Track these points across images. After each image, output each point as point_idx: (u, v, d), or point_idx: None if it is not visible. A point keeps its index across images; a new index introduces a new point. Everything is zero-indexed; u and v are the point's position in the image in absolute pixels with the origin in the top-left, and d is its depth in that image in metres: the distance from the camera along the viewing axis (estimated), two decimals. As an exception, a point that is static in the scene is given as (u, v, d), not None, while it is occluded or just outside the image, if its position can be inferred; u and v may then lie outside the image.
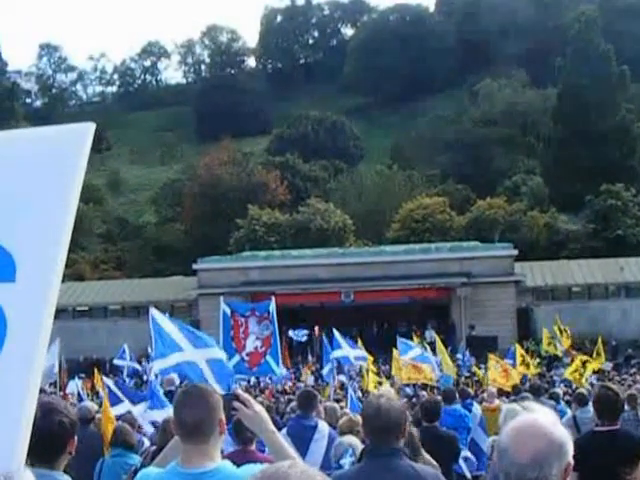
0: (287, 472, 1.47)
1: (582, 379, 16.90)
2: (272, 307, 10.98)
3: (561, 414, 9.44)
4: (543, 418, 2.15)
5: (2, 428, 1.66)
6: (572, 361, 21.84)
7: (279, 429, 7.00)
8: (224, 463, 2.96)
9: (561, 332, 25.70)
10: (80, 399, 15.68)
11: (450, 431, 8.02)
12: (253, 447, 5.23)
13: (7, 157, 1.84)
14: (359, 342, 20.08)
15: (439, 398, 9.38)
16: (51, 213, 1.75)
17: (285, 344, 20.79)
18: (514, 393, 13.76)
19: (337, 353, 16.79)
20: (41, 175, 1.78)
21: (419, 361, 17.74)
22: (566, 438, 2.10)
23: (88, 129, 1.82)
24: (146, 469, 3.22)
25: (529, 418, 2.16)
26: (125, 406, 11.51)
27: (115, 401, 11.11)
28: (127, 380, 24.52)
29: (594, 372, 22.39)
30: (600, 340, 21.49)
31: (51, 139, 1.86)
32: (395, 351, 20.21)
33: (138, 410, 11.62)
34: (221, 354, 8.82)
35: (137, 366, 24.16)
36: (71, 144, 1.80)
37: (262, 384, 20.54)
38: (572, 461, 2.08)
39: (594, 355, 19.99)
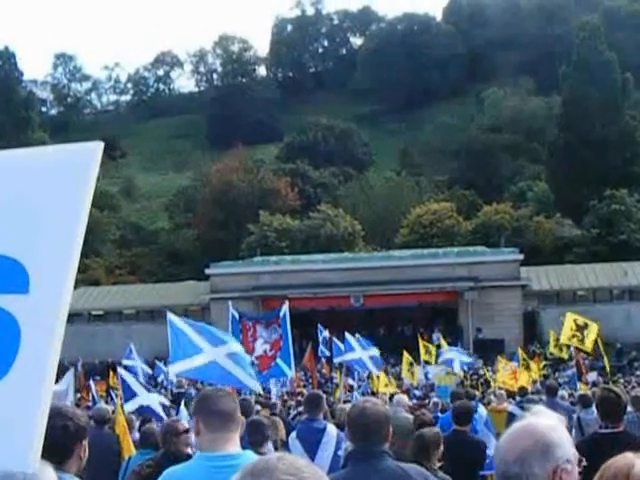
0: (276, 464, 1.51)
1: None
2: (284, 311, 11.14)
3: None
4: (539, 421, 2.18)
5: (19, 435, 1.72)
6: (577, 364, 22.35)
7: (288, 432, 7.53)
8: (248, 451, 3.19)
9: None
10: (94, 402, 15.98)
11: (479, 437, 7.83)
12: (265, 449, 5.35)
13: (19, 174, 1.89)
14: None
15: (471, 403, 9.28)
16: (62, 228, 1.80)
17: (311, 350, 21.08)
18: (520, 395, 13.92)
19: (349, 356, 16.69)
20: (53, 191, 1.83)
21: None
22: (557, 441, 2.11)
23: (98, 147, 1.87)
24: (169, 469, 3.29)
25: (525, 421, 2.20)
26: (140, 400, 11.88)
27: (129, 395, 11.33)
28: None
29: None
30: (601, 343, 21.80)
31: (62, 157, 1.90)
32: (406, 355, 20.71)
33: (154, 399, 12.02)
34: (238, 347, 8.89)
35: (147, 368, 24.43)
36: (81, 162, 1.85)
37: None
38: (566, 466, 2.09)
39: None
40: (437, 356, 21.82)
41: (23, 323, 1.78)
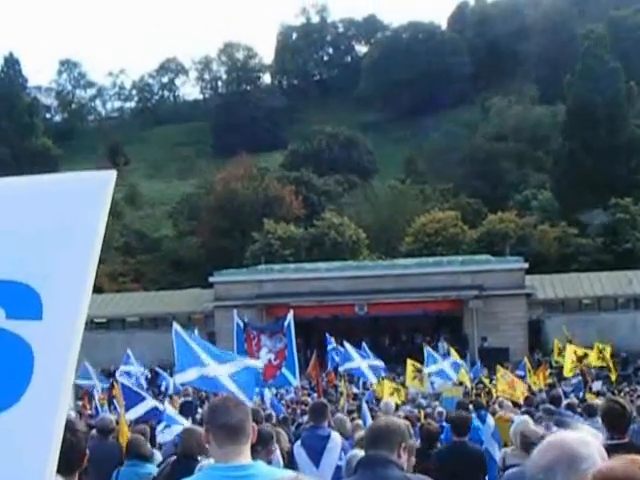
0: None
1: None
2: (288, 321, 11.20)
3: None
4: (570, 435, 2.23)
5: (31, 463, 1.72)
6: (582, 372, 22.25)
7: (294, 440, 7.54)
8: (259, 461, 3.16)
9: (570, 342, 25.78)
10: (96, 412, 15.88)
11: (479, 446, 7.86)
12: (275, 448, 5.56)
13: (32, 200, 1.92)
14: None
15: (467, 414, 9.11)
16: (76, 254, 1.83)
17: (317, 359, 21.00)
18: (526, 404, 13.94)
19: (348, 365, 16.77)
20: (65, 218, 1.86)
21: (439, 376, 17.77)
22: (585, 455, 2.12)
23: (111, 176, 1.91)
24: None
25: (559, 435, 2.27)
26: (147, 403, 11.73)
27: (135, 401, 11.08)
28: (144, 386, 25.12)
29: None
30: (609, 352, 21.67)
31: (75, 184, 1.94)
32: (410, 362, 20.57)
33: (159, 404, 11.74)
34: (245, 363, 8.91)
35: (147, 372, 24.25)
36: (95, 190, 1.88)
37: (278, 395, 20.57)
38: None
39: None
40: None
41: (37, 349, 1.78)
